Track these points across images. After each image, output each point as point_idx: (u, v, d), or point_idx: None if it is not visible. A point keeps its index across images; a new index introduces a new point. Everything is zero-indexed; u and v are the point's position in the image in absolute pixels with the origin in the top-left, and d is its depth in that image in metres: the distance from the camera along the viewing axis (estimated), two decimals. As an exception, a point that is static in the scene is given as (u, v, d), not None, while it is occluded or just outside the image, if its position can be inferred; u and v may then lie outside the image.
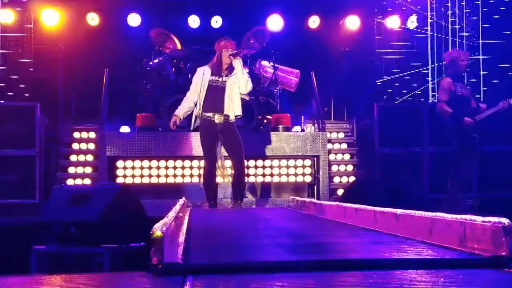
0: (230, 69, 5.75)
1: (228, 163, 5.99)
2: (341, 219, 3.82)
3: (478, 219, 2.32)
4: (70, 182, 7.16)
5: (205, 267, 2.09)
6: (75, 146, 7.68)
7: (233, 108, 5.68)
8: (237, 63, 5.63)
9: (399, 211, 3.00)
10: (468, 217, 2.40)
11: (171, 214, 2.95)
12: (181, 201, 4.82)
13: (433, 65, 9.17)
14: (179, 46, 8.12)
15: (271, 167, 7.21)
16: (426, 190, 6.55)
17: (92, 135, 7.76)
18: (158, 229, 2.10)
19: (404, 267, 2.11)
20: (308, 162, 7.25)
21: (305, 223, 4.04)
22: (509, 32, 9.02)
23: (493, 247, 2.20)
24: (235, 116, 5.73)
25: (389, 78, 9.20)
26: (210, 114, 5.67)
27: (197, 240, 2.91)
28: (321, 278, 1.96)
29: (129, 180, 6.93)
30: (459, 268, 2.13)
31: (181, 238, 2.76)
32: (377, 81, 9.04)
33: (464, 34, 9.09)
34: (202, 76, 5.74)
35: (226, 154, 5.98)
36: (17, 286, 1.94)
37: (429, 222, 2.66)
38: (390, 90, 9.15)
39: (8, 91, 8.28)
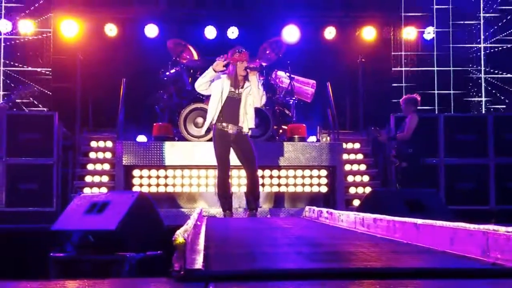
0: (245, 80, 5.77)
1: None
2: (359, 229, 3.79)
3: (502, 229, 2.29)
4: (87, 190, 7.21)
5: (227, 274, 2.09)
6: (92, 155, 7.75)
7: (247, 120, 5.70)
8: (254, 78, 5.64)
9: (419, 221, 2.98)
10: (491, 227, 2.37)
11: (191, 222, 2.96)
12: (198, 210, 4.83)
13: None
14: (195, 56, 8.18)
15: (287, 177, 7.20)
16: (443, 201, 6.47)
17: (109, 144, 7.82)
18: (180, 236, 2.10)
19: (427, 277, 2.09)
20: (323, 172, 7.23)
21: (323, 232, 4.02)
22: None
23: (517, 257, 2.17)
24: (249, 129, 5.76)
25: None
26: (224, 124, 5.70)
27: (215, 248, 2.91)
28: (343, 286, 1.95)
29: (145, 189, 6.96)
30: (483, 278, 2.10)
31: (201, 246, 2.76)
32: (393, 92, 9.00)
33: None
34: (221, 87, 5.74)
35: (238, 164, 5.97)
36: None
37: (451, 232, 2.64)
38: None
39: (27, 101, 8.38)
